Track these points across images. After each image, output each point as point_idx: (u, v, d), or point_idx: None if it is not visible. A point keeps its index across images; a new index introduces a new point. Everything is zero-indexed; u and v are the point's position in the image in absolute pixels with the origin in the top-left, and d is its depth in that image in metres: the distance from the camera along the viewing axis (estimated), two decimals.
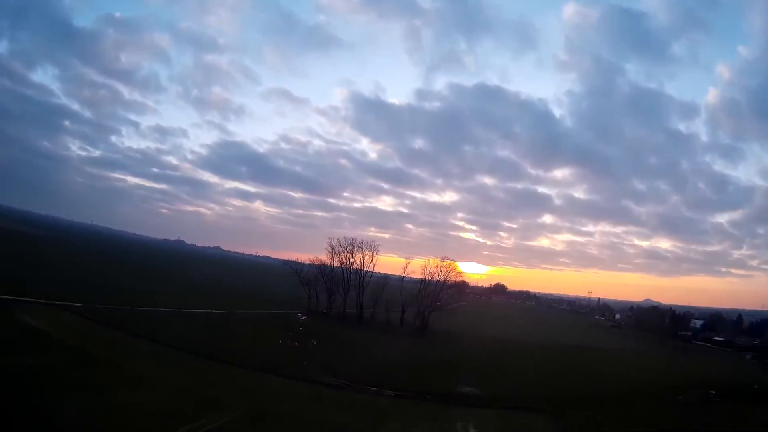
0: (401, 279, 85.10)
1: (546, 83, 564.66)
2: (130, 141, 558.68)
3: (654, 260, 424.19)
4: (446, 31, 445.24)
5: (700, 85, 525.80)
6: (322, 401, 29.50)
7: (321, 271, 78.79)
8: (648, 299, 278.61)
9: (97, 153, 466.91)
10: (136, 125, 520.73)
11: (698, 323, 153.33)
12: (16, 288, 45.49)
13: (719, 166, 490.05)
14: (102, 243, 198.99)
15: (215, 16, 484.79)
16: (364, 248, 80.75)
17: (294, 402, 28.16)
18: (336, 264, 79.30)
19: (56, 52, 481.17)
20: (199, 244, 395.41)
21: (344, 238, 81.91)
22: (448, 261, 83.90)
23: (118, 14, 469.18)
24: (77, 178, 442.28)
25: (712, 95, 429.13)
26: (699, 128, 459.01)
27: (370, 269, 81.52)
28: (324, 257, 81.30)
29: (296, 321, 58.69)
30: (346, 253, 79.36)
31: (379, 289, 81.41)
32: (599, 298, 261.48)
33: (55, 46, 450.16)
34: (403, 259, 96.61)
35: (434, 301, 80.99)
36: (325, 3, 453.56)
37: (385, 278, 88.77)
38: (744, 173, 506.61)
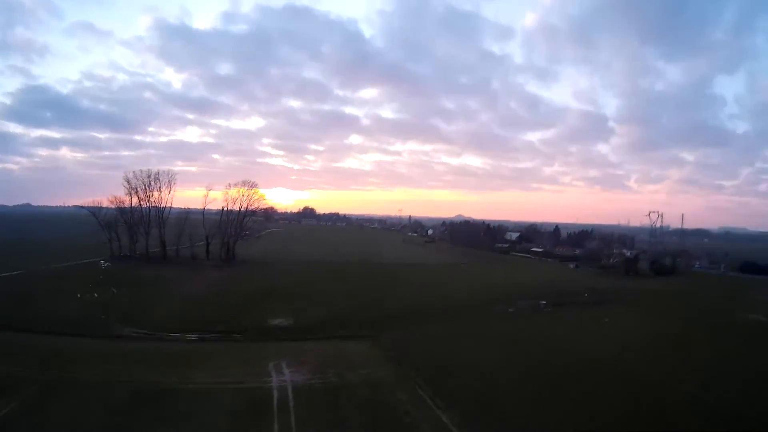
0: (202, 211, 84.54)
1: (357, 2, 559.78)
2: None
3: (464, 177, 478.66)
4: None
5: (518, 10, 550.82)
6: (126, 359, 27.94)
7: (120, 212, 74.98)
8: (460, 215, 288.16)
9: None
10: None
11: (514, 235, 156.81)
12: None
13: (532, 87, 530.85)
14: None
15: None
16: (162, 181, 77.95)
17: (96, 365, 26.40)
18: (135, 203, 75.85)
19: None
20: (8, 203, 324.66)
21: (140, 171, 77.69)
22: (250, 187, 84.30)
23: None
24: None
25: (529, 19, 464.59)
26: (514, 50, 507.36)
27: (170, 204, 79.80)
28: (124, 197, 77.06)
29: (99, 269, 57.37)
30: (144, 189, 75.84)
31: (181, 224, 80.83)
32: (410, 216, 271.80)
33: None
34: (194, 191, 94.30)
35: (239, 229, 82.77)
36: None
37: (186, 212, 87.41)
38: (558, 94, 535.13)
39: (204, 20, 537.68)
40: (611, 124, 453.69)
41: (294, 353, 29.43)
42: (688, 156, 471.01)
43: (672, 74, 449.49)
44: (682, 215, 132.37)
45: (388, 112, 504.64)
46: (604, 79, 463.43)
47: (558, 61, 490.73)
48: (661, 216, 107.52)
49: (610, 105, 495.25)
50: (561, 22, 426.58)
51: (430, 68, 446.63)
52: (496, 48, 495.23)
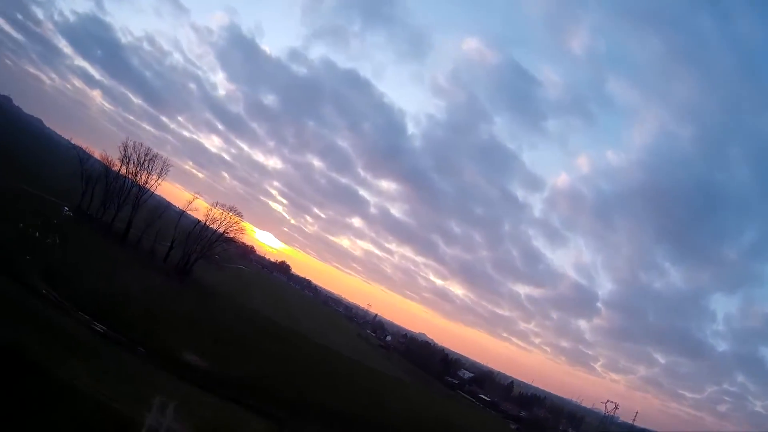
0: (181, 213, 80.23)
1: (414, 97, 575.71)
2: None
3: (442, 300, 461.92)
4: (349, 6, 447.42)
5: (556, 166, 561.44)
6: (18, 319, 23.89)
7: (106, 171, 71.17)
8: (423, 333, 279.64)
9: None
10: None
11: (467, 374, 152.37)
12: None
13: (539, 243, 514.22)
14: None
15: None
16: (156, 165, 74.67)
17: None
18: (123, 171, 72.29)
19: None
20: (26, 110, 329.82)
21: (140, 144, 74.32)
22: (236, 214, 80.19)
23: None
24: None
25: (561, 179, 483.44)
26: (535, 202, 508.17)
27: (153, 190, 76.33)
28: (114, 159, 73.30)
29: (58, 213, 53.87)
30: (135, 162, 72.46)
31: (155, 214, 76.91)
32: (376, 315, 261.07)
33: None
34: (190, 194, 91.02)
35: (206, 248, 77.99)
36: None
37: (166, 206, 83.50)
38: (559, 258, 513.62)
39: (272, 45, 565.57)
40: (599, 305, 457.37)
41: (190, 401, 24.70)
42: (660, 358, 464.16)
43: (674, 277, 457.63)
44: (636, 412, 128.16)
45: (397, 210, 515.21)
46: (608, 260, 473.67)
47: (571, 228, 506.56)
48: (616, 406, 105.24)
49: (605, 287, 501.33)
50: (590, 192, 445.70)
51: (452, 187, 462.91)
52: (520, 194, 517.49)
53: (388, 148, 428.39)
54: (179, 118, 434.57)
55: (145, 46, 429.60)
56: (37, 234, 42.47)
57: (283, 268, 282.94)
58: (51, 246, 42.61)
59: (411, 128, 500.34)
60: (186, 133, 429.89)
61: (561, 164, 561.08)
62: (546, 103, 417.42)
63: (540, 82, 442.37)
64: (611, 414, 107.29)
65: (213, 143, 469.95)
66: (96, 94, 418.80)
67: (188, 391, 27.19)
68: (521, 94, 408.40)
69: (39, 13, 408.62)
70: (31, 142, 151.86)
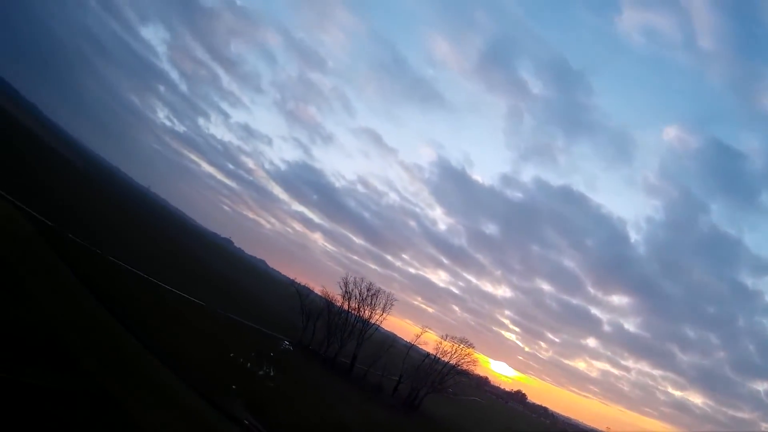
0: (410, 346, 77.21)
1: (629, 203, 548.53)
2: (215, 129, 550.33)
3: (681, 412, 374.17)
4: (548, 122, 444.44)
5: None
6: None
7: (328, 306, 72.19)
8: None
9: (181, 128, 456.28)
10: (226, 116, 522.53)
11: None
12: None
13: None
14: (158, 213, 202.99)
15: (331, 36, 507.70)
16: (379, 301, 73.21)
17: None
18: (344, 306, 72.94)
19: (172, 16, 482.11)
20: (247, 250, 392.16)
21: (361, 279, 74.75)
22: (467, 345, 74.04)
23: (239, 1, 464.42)
24: (153, 143, 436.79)
25: None
26: (765, 287, 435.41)
27: (378, 323, 74.21)
28: (335, 294, 74.40)
29: (276, 346, 53.89)
30: (358, 298, 72.48)
31: (383, 349, 74.19)
32: None
33: (172, 10, 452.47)
34: (418, 328, 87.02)
35: (437, 381, 71.72)
36: (439, 58, 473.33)
37: (392, 339, 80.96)
38: None
39: (483, 174, 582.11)
40: None
41: None
42: None
43: None
44: None
45: (630, 325, 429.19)
46: None
47: None
48: None
49: None
50: None
51: (682, 289, 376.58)
52: (750, 281, 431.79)
53: (614, 260, 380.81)
54: (403, 255, 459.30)
55: (359, 188, 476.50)
56: (249, 365, 40.70)
57: (518, 396, 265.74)
58: (263, 377, 40.16)
59: (633, 236, 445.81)
60: (412, 270, 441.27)
61: None
62: (755, 175, 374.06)
63: (744, 155, 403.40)
64: None
65: (440, 278, 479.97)
66: (317, 237, 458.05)
67: None
68: (730, 173, 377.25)
69: (249, 163, 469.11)
70: (254, 280, 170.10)
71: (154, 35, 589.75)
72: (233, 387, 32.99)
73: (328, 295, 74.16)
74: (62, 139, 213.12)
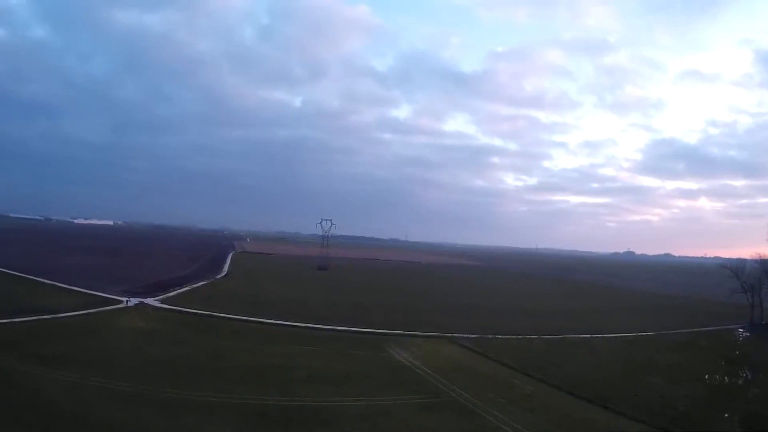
0: None
1: None
2: (562, 162, 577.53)
3: None
4: None
5: None
6: None
7: (764, 269, 58.60)
8: None
9: (533, 180, 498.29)
10: (564, 146, 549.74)
11: None
12: None
13: None
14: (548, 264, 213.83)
15: (592, 17, 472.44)
16: None
17: None
18: None
19: (459, 100, 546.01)
20: (649, 252, 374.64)
21: None
22: None
23: (499, 49, 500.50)
24: (519, 207, 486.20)
25: None
26: None
27: None
28: None
29: (732, 342, 45.94)
30: None
31: None
32: None
33: (455, 96, 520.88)
34: None
35: None
36: None
37: None
38: None
39: None
40: None
41: None
42: None
43: None
44: None
45: None
46: None
47: None
48: None
49: None
50: None
51: None
52: None
53: None
54: None
55: (711, 130, 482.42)
56: (726, 378, 35.20)
57: None
58: (745, 385, 34.06)
59: None
60: None
61: None
62: None
63: None
64: None
65: None
66: (703, 202, 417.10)
67: None
68: None
69: (609, 171, 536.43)
70: (676, 276, 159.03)
71: (457, 123, 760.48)
72: (726, 416, 29.15)
73: (760, 254, 61.44)
74: None
